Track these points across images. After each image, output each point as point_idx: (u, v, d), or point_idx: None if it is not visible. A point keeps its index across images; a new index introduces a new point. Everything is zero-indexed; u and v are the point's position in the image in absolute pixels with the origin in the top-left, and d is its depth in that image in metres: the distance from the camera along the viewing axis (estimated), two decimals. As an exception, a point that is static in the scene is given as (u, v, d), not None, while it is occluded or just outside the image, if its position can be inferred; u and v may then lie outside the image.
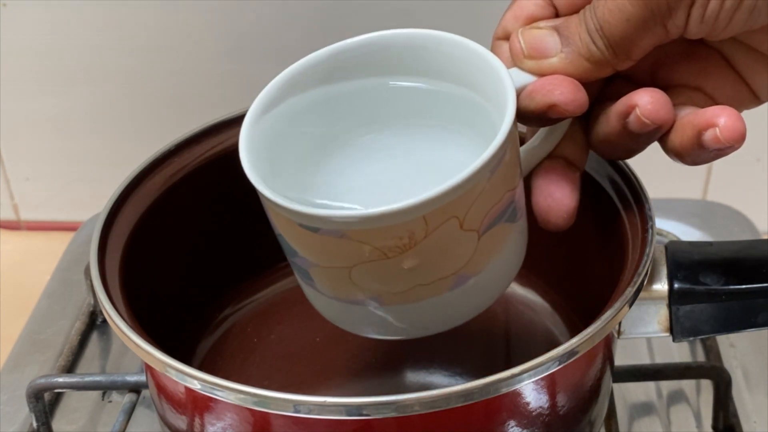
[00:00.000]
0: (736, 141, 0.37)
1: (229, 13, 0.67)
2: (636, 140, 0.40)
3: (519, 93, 0.39)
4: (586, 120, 0.42)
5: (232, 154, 0.52)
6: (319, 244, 0.38)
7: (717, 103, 0.40)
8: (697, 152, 0.38)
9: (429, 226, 0.37)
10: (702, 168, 0.73)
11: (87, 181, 0.75)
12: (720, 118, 0.37)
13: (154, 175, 0.50)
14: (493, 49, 0.42)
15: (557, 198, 0.41)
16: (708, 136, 0.37)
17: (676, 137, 0.39)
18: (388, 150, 0.45)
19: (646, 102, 0.38)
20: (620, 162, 0.47)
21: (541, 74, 0.40)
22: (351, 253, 0.38)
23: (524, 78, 0.40)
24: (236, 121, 0.53)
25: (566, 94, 0.38)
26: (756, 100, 0.41)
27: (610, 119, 0.40)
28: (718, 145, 0.37)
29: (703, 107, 0.39)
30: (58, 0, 0.67)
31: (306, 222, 0.38)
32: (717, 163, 0.72)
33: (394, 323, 0.41)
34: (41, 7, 0.68)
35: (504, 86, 0.39)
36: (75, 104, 0.72)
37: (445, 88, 0.44)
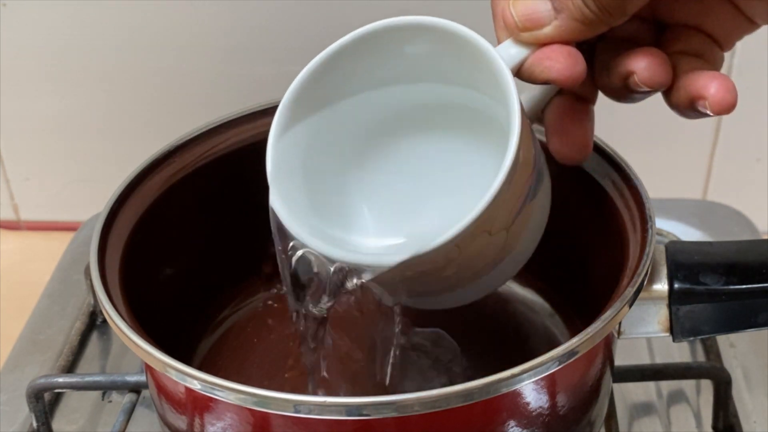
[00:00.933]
0: (725, 111, 0.39)
1: (229, 13, 0.67)
2: (638, 94, 0.41)
3: (519, 67, 0.40)
4: (591, 57, 0.42)
5: (233, 154, 0.53)
6: None
7: (716, 40, 0.41)
8: (694, 114, 0.40)
9: (461, 247, 0.39)
10: (702, 168, 0.73)
11: (87, 181, 0.75)
12: (710, 89, 0.38)
13: (154, 175, 0.50)
14: (493, 10, 0.42)
15: (571, 132, 0.42)
16: (699, 104, 0.39)
17: (674, 97, 0.40)
18: (409, 162, 0.47)
19: (642, 68, 0.39)
20: (620, 162, 0.47)
21: (537, 44, 0.40)
22: (394, 276, 0.41)
23: (521, 52, 0.40)
24: (236, 121, 0.53)
25: (562, 70, 0.39)
26: (754, 24, 0.41)
27: (612, 77, 0.40)
28: (709, 112, 0.39)
29: (701, 52, 0.40)
30: (58, 0, 0.67)
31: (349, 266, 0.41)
32: (717, 163, 0.73)
33: (440, 302, 0.46)
34: (41, 7, 0.68)
35: (508, 90, 0.39)
36: (75, 104, 0.72)
37: (443, 87, 0.44)
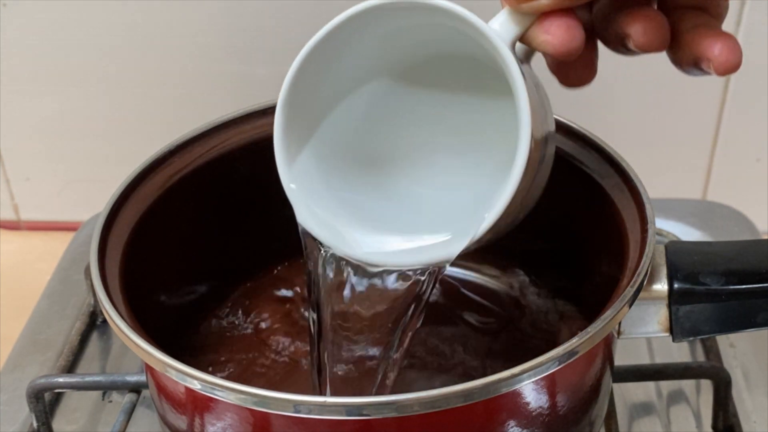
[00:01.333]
0: (729, 72, 0.38)
1: (229, 13, 0.67)
2: (635, 52, 0.41)
3: (519, 37, 0.40)
4: (589, 9, 0.42)
5: (232, 154, 0.53)
6: None
7: None
8: (698, 72, 0.39)
9: (482, 238, 0.40)
10: (702, 168, 0.73)
11: (87, 181, 0.75)
12: (714, 50, 0.38)
13: (154, 175, 0.50)
14: None
15: (574, 64, 0.42)
16: (704, 65, 0.39)
17: (678, 56, 0.40)
18: (423, 140, 0.47)
19: (638, 33, 0.39)
20: (620, 162, 0.47)
21: (538, 13, 0.39)
22: None
23: (519, 27, 0.39)
24: (236, 121, 0.53)
25: (558, 47, 0.39)
26: None
27: (609, 33, 0.40)
28: (714, 73, 0.38)
29: (704, 4, 0.40)
30: (58, 0, 0.67)
31: None
32: (717, 163, 0.73)
33: None
34: (41, 7, 0.68)
35: (512, 74, 0.39)
36: (75, 104, 0.72)
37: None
